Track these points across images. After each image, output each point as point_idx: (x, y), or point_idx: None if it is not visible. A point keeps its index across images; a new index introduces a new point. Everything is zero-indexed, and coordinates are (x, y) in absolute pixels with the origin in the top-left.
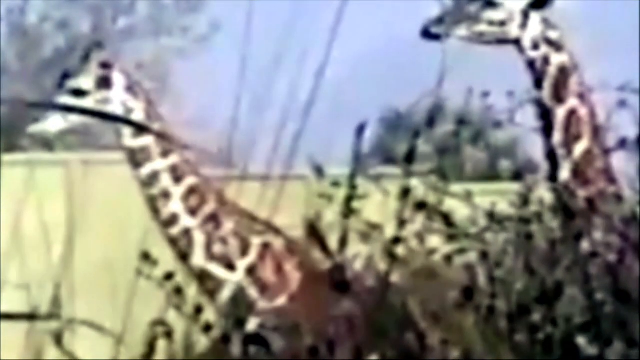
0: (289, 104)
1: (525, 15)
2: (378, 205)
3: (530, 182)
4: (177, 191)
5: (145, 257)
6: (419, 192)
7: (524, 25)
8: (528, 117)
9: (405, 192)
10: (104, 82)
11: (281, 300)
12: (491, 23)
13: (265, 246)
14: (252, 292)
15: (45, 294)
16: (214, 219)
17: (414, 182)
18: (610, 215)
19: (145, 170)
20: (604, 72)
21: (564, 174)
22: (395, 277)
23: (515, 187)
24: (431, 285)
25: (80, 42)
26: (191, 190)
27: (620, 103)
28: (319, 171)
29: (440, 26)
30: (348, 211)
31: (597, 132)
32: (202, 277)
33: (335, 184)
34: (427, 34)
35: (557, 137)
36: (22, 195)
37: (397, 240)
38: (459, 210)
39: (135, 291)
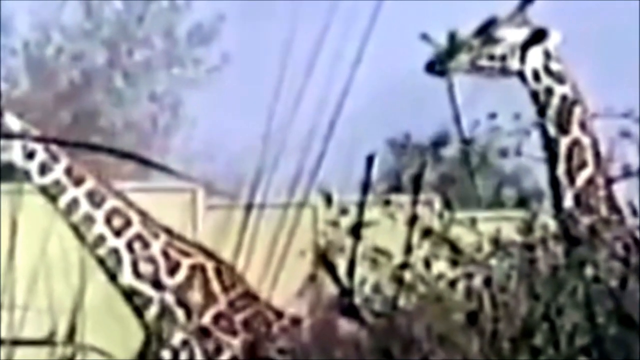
0: (311, 133)
1: (525, 48)
2: (386, 231)
3: (534, 209)
4: (99, 214)
5: None
6: (426, 219)
7: (524, 58)
8: (533, 145)
9: (413, 220)
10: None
11: (205, 320)
12: (492, 58)
13: (194, 267)
14: (178, 310)
15: (65, 320)
16: (140, 239)
17: (421, 210)
18: (612, 241)
19: (63, 200)
20: (608, 99)
21: (568, 201)
22: (401, 302)
23: (519, 214)
24: (436, 309)
25: (95, 74)
26: (113, 212)
27: (623, 134)
28: (329, 199)
29: (442, 63)
30: (356, 237)
31: (599, 160)
32: (131, 295)
33: (344, 211)
34: (431, 69)
35: (561, 167)
36: (45, 221)
37: (404, 265)
38: (465, 236)
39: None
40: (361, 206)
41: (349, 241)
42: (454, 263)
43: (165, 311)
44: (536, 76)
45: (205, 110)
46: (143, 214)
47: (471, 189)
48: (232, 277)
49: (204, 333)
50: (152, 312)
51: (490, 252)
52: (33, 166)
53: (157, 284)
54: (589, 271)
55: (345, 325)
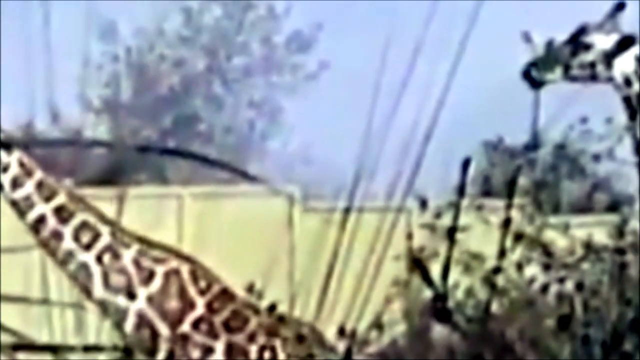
0: (407, 138)
1: (615, 54)
2: (479, 235)
3: (625, 214)
4: (67, 230)
5: (250, 289)
6: (519, 223)
7: (613, 64)
8: (626, 150)
9: (506, 223)
10: None
11: (185, 326)
12: (582, 66)
13: (169, 274)
14: (155, 319)
15: None
16: (110, 250)
17: (514, 214)
18: None
19: (31, 216)
20: None
21: None
22: (494, 306)
23: (611, 218)
24: (528, 313)
25: (195, 80)
26: (82, 226)
27: None
28: (423, 203)
29: (536, 70)
30: (451, 241)
31: None
32: (105, 308)
33: (438, 215)
34: (527, 76)
35: None
36: (135, 228)
37: (497, 270)
38: (557, 240)
39: None
40: (456, 210)
41: (443, 245)
42: (546, 267)
43: (142, 321)
44: (627, 81)
45: (303, 116)
46: (113, 225)
47: (563, 194)
48: (207, 278)
49: (185, 340)
50: (129, 323)
51: (582, 256)
52: (6, 180)
53: (131, 295)
54: None
55: (439, 330)
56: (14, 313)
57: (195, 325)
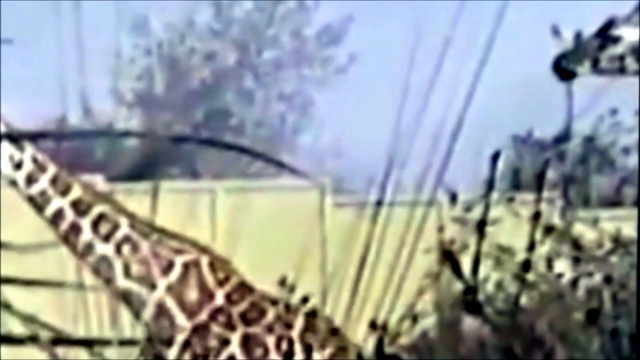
0: (437, 131)
1: None
2: (509, 228)
3: None
4: (85, 222)
5: (282, 283)
6: (549, 217)
7: None
8: None
9: (536, 217)
10: None
11: (203, 316)
12: (611, 59)
13: (188, 265)
14: (174, 309)
15: None
16: (129, 241)
17: (543, 207)
18: None
19: (49, 211)
20: None
21: None
22: (523, 299)
23: None
24: (558, 307)
25: (226, 74)
26: (100, 218)
27: None
28: (453, 197)
29: (566, 62)
30: (481, 235)
31: None
32: (126, 298)
33: (469, 209)
34: (558, 68)
35: None
36: (168, 222)
37: (527, 263)
38: (586, 234)
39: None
40: (486, 204)
41: (473, 238)
42: (575, 261)
43: (161, 311)
44: None
45: (334, 109)
46: (132, 217)
47: (592, 187)
48: (226, 270)
49: (202, 330)
50: (148, 313)
51: (611, 249)
52: (20, 177)
53: (151, 285)
54: None
55: (469, 322)
56: (49, 308)
57: (213, 316)
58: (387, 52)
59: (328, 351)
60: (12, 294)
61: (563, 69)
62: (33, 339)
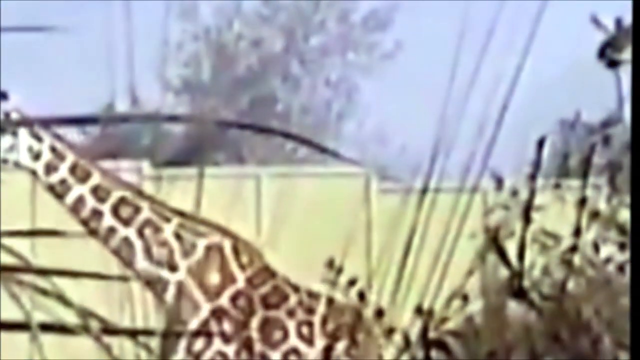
0: (482, 118)
1: None
2: (555, 214)
3: None
4: (106, 207)
5: (330, 264)
6: (595, 202)
7: None
8: None
9: (582, 202)
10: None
11: (223, 300)
12: None
13: (210, 247)
14: (195, 291)
15: None
16: (150, 224)
17: (589, 193)
18: None
19: (69, 198)
20: None
21: None
22: (570, 285)
23: None
24: (605, 293)
25: (272, 60)
26: (120, 202)
27: None
28: (499, 183)
29: (611, 50)
30: (526, 221)
31: None
32: (148, 280)
33: (514, 194)
34: (602, 55)
35: None
36: (214, 208)
37: (573, 249)
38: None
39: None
40: (531, 189)
41: (519, 224)
42: (621, 247)
43: (182, 293)
44: None
45: (379, 96)
46: (152, 200)
47: None
48: (249, 254)
49: (221, 313)
50: (169, 294)
51: None
52: (39, 167)
53: (172, 267)
54: None
55: (515, 307)
56: (95, 298)
57: (234, 299)
58: (432, 38)
59: (350, 338)
60: (58, 283)
61: (608, 58)
62: (83, 329)
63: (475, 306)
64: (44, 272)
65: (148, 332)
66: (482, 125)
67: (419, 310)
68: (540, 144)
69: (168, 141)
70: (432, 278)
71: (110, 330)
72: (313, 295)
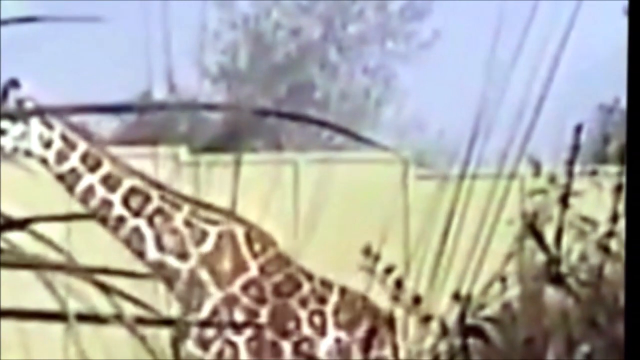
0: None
1: None
2: (593, 200)
3: None
4: (116, 197)
5: (367, 252)
6: None
7: None
8: None
9: (619, 188)
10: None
11: (234, 288)
12: None
13: (222, 235)
14: (206, 278)
15: None
16: (160, 213)
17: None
18: None
19: (79, 188)
20: None
21: None
22: (607, 270)
23: None
24: None
25: (310, 48)
26: (131, 192)
27: None
28: (537, 168)
29: None
30: (564, 206)
31: None
32: (159, 269)
33: (552, 180)
34: None
35: None
36: (252, 194)
37: (610, 234)
38: None
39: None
40: (569, 175)
41: (556, 210)
42: None
43: (193, 280)
44: None
45: (417, 82)
46: (164, 189)
47: None
48: (263, 241)
49: (232, 301)
50: (181, 282)
51: None
52: (50, 155)
53: (183, 255)
54: None
55: (552, 294)
56: (130, 286)
57: (245, 287)
58: (470, 27)
59: (363, 329)
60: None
61: None
62: (117, 318)
63: (513, 292)
64: (79, 271)
65: (184, 322)
66: (520, 111)
67: (456, 296)
68: (578, 129)
69: (205, 127)
70: (469, 265)
71: (145, 319)
72: (326, 284)
